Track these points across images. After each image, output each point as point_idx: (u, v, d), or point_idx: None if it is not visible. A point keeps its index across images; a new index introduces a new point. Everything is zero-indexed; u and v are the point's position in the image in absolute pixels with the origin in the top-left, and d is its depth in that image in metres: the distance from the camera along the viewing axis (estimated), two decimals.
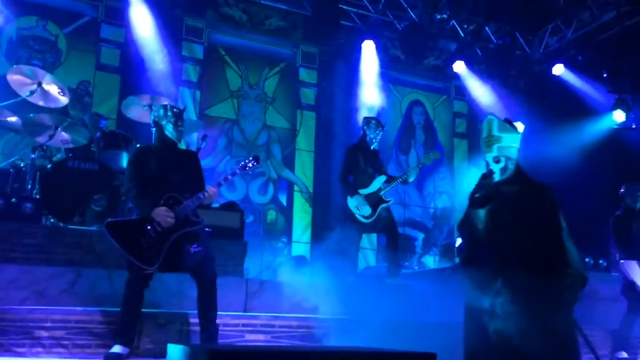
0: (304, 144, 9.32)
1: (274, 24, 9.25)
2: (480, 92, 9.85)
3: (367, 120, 6.08)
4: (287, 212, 8.97)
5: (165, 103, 4.21)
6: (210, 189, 3.85)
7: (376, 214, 5.61)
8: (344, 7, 8.92)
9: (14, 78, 5.40)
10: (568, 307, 3.06)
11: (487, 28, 9.49)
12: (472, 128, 10.34)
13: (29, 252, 4.49)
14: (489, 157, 3.29)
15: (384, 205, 5.66)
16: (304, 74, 9.52)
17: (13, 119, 5.44)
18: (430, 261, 8.49)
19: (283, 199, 9.01)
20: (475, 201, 3.24)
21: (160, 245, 3.68)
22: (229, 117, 8.93)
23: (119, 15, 8.12)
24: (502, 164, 3.26)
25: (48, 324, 3.76)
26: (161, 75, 8.06)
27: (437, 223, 9.50)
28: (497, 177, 3.26)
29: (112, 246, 3.78)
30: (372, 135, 5.89)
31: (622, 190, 5.54)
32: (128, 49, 8.11)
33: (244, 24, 9.07)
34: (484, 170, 3.33)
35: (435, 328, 4.55)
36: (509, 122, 3.38)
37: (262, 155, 8.95)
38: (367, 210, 5.63)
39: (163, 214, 3.68)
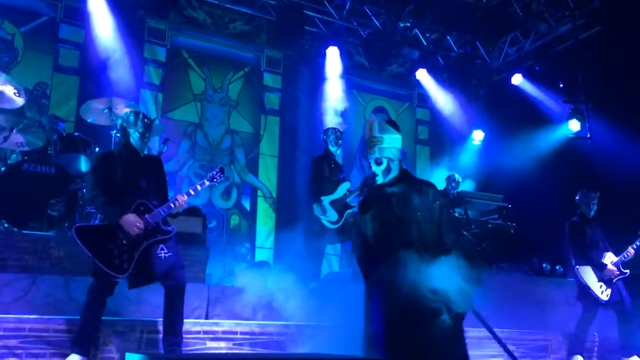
0: (268, 148, 9.28)
1: (238, 27, 9.20)
2: (442, 99, 10.03)
3: (325, 131, 6.16)
4: (250, 217, 8.91)
5: (138, 110, 4.12)
6: (180, 197, 3.78)
7: (342, 219, 5.64)
8: (309, 13, 8.95)
9: None
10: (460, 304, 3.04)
11: (448, 37, 9.68)
12: (434, 135, 10.52)
13: None
14: (371, 159, 3.29)
15: (349, 210, 5.69)
16: (268, 79, 9.50)
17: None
18: None
19: (247, 204, 8.95)
20: (360, 207, 3.27)
21: (131, 252, 3.59)
22: (192, 121, 8.82)
23: (78, 15, 7.93)
24: (383, 166, 3.24)
25: (0, 333, 3.62)
26: (122, 77, 7.89)
27: None
28: (380, 179, 3.25)
29: (69, 252, 3.68)
30: (332, 145, 5.97)
31: (577, 197, 5.71)
32: (88, 50, 7.92)
33: (208, 27, 8.99)
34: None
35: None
36: (391, 123, 3.38)
37: (225, 159, 8.88)
38: (333, 215, 5.66)
39: (131, 222, 3.59)
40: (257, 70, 9.43)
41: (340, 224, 5.66)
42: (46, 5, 7.93)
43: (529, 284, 6.48)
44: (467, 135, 10.01)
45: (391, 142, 3.27)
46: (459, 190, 7.22)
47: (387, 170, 3.25)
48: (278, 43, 9.27)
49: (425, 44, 9.59)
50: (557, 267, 7.04)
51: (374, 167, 3.26)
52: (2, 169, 5.08)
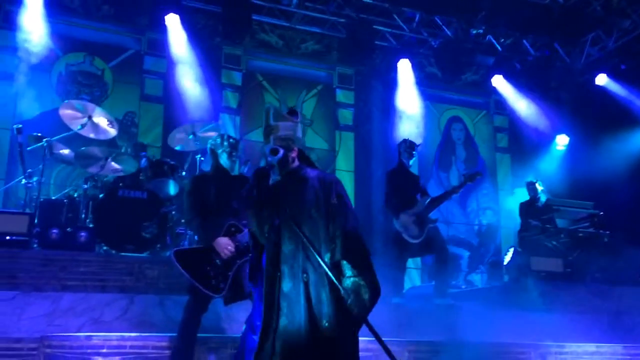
0: (344, 164, 9.35)
1: (310, 47, 9.39)
2: (521, 105, 9.71)
3: (399, 143, 6.13)
4: None
5: (222, 133, 4.34)
6: None
7: (424, 233, 5.57)
8: (379, 27, 8.98)
9: (65, 112, 5.64)
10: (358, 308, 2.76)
11: (524, 41, 9.39)
12: (514, 142, 10.19)
13: (84, 280, 4.63)
14: (267, 149, 2.99)
15: (430, 225, 5.62)
16: (341, 95, 9.61)
17: (66, 151, 5.67)
18: (478, 279, 8.33)
19: None
20: (254, 202, 2.97)
21: (225, 273, 3.75)
22: None
23: (160, 46, 8.37)
24: (279, 155, 2.93)
25: (105, 350, 3.86)
26: (202, 102, 8.26)
27: (482, 240, 9.32)
28: (276, 170, 2.95)
29: (163, 272, 3.88)
30: (406, 157, 5.92)
31: None
32: (170, 78, 8.35)
33: (281, 49, 9.24)
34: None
35: (487, 349, 4.46)
36: (292, 111, 3.11)
37: None
38: (414, 230, 5.60)
39: (223, 245, 3.75)
40: (329, 87, 9.56)
41: (422, 238, 5.60)
42: (131, 40, 8.45)
43: (627, 296, 6.10)
44: (550, 140, 9.63)
45: (287, 130, 3.01)
46: (539, 196, 6.95)
47: (284, 160, 2.96)
48: (349, 59, 9.36)
49: (500, 49, 9.36)
50: None
51: (270, 158, 2.98)
52: (101, 195, 5.45)
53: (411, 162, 5.98)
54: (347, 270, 2.80)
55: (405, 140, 6.06)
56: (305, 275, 2.82)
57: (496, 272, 7.36)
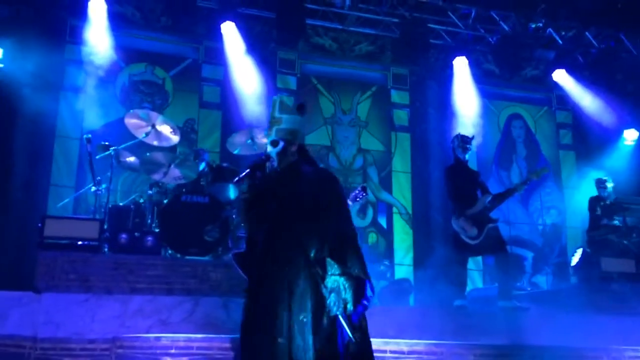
0: (400, 165, 9.27)
1: (364, 49, 9.36)
2: (585, 100, 9.34)
3: (452, 140, 6.00)
4: (387, 234, 8.92)
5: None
6: None
7: (483, 234, 5.43)
8: (433, 26, 8.85)
9: (130, 121, 5.86)
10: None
11: (587, 33, 9.02)
12: (579, 138, 9.80)
13: (152, 283, 4.78)
14: (268, 141, 2.97)
15: (490, 225, 5.47)
16: (396, 96, 9.53)
17: (131, 159, 5.89)
18: (543, 281, 8.06)
19: (383, 222, 8.97)
20: (251, 199, 2.93)
21: None
22: (324, 144, 9.09)
23: (217, 54, 8.57)
24: (279, 148, 2.93)
25: (173, 351, 3.98)
26: (258, 107, 8.39)
27: (547, 240, 9.01)
28: (275, 162, 2.95)
29: (226, 275, 3.96)
30: (460, 152, 5.78)
31: None
32: (227, 85, 8.53)
33: (334, 52, 9.26)
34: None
35: (558, 353, 4.31)
36: (300, 106, 3.08)
37: (358, 179, 9.00)
38: (473, 231, 5.47)
39: None
40: (384, 88, 9.50)
41: (480, 238, 5.45)
42: (190, 49, 8.69)
43: None
44: (617, 135, 9.21)
45: (291, 124, 2.98)
46: (608, 193, 6.64)
47: (283, 153, 2.95)
48: (403, 59, 9.27)
49: (561, 43, 9.03)
50: None
51: (269, 149, 2.98)
52: (165, 201, 5.63)
53: (467, 156, 5.81)
54: (331, 268, 2.77)
55: (457, 136, 5.93)
56: (294, 270, 2.78)
57: (562, 273, 7.09)
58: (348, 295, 2.74)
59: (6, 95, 6.68)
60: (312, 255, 2.80)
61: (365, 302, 2.81)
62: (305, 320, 2.75)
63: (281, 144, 2.95)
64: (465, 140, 5.79)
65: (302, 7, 8.23)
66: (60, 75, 7.76)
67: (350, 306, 2.76)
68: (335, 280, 2.75)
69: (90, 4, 7.49)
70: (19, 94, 6.73)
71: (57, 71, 7.56)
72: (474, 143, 5.90)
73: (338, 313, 2.74)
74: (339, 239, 2.82)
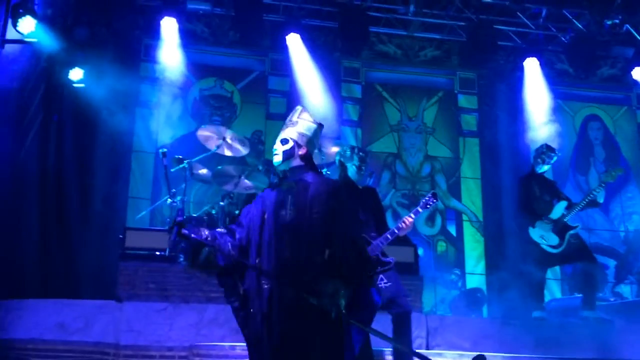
0: (470, 171, 9.04)
1: (429, 54, 9.24)
2: None
3: (537, 148, 5.81)
4: (457, 242, 8.71)
5: (353, 145, 4.43)
6: (407, 218, 3.85)
7: (565, 242, 5.20)
8: (501, 27, 8.62)
9: (203, 134, 6.05)
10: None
11: None
12: None
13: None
14: (279, 139, 3.04)
15: (571, 232, 5.24)
16: (463, 100, 9.33)
17: (204, 171, 6.07)
18: (627, 291, 7.60)
19: (452, 230, 8.78)
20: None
21: None
22: (390, 152, 9.02)
23: (283, 66, 8.70)
24: (288, 146, 2.97)
25: None
26: (324, 117, 8.44)
27: (630, 248, 8.47)
28: (280, 160, 2.99)
29: None
30: (539, 162, 5.60)
31: None
32: (292, 96, 8.64)
33: (399, 59, 9.19)
34: None
35: None
36: (320, 124, 3.09)
37: (426, 186, 8.86)
38: (553, 239, 5.25)
39: None
40: (450, 93, 9.33)
41: (562, 247, 5.23)
42: (256, 62, 8.88)
43: None
44: None
45: (304, 128, 3.01)
46: None
47: (291, 152, 2.97)
48: (471, 63, 9.06)
49: None
50: None
51: (277, 146, 3.01)
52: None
53: (545, 167, 5.65)
54: (334, 274, 2.72)
55: (543, 145, 5.75)
56: (295, 276, 2.73)
57: None
58: (343, 301, 2.68)
59: (87, 114, 7.05)
60: (320, 259, 2.80)
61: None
62: None
63: (291, 143, 3.00)
64: (550, 152, 5.60)
65: (365, 15, 8.24)
66: (136, 92, 8.11)
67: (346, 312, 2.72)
68: (334, 284, 2.71)
69: (163, 23, 7.80)
70: (98, 112, 7.09)
71: (132, 89, 7.90)
72: (557, 155, 5.71)
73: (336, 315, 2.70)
74: (344, 246, 2.80)
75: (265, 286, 2.76)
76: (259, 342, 2.76)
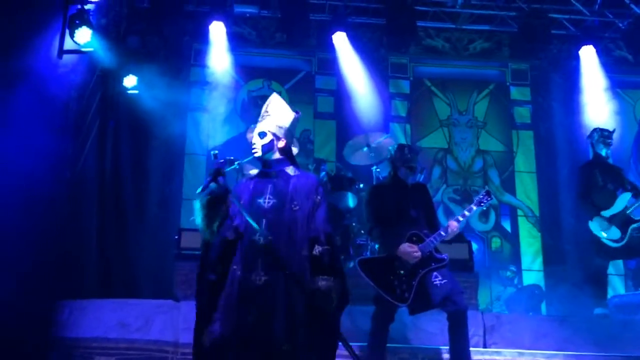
0: (524, 165, 8.79)
1: (478, 47, 9.04)
2: None
3: (590, 134, 5.57)
4: (512, 238, 8.48)
5: (403, 144, 4.42)
6: (452, 223, 3.83)
7: (627, 236, 4.97)
8: (554, 15, 8.33)
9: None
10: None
11: None
12: None
13: None
14: (256, 133, 2.97)
15: (634, 225, 5.00)
16: (516, 92, 9.07)
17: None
18: None
19: (507, 225, 8.55)
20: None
21: (410, 282, 3.75)
22: (441, 147, 8.88)
23: (329, 65, 8.72)
24: (266, 140, 2.91)
25: None
26: (372, 114, 8.40)
27: None
28: (259, 154, 2.94)
29: (350, 283, 3.94)
30: (599, 147, 5.34)
31: None
32: (340, 94, 8.65)
33: (447, 52, 9.04)
34: None
35: None
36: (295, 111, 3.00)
37: (478, 181, 8.68)
38: (615, 233, 5.02)
39: (408, 251, 3.74)
40: (502, 85, 9.09)
41: (625, 241, 4.99)
42: (303, 62, 8.93)
43: None
44: None
45: (281, 119, 2.95)
46: None
47: (270, 146, 2.92)
48: (523, 54, 8.80)
49: None
50: None
51: (255, 140, 2.92)
52: None
53: (608, 151, 5.38)
54: (318, 272, 2.70)
55: (596, 129, 5.49)
56: (279, 271, 2.69)
57: None
58: (333, 301, 2.70)
59: (141, 119, 7.27)
60: (301, 253, 2.79)
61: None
62: None
63: (269, 136, 2.95)
64: (605, 134, 5.36)
65: (411, 10, 8.14)
66: (187, 96, 8.31)
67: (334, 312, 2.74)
68: (324, 283, 2.70)
69: (211, 28, 7.95)
70: (151, 117, 7.30)
71: (183, 93, 8.10)
72: (615, 137, 5.43)
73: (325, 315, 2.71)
74: (323, 242, 2.79)
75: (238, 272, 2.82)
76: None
